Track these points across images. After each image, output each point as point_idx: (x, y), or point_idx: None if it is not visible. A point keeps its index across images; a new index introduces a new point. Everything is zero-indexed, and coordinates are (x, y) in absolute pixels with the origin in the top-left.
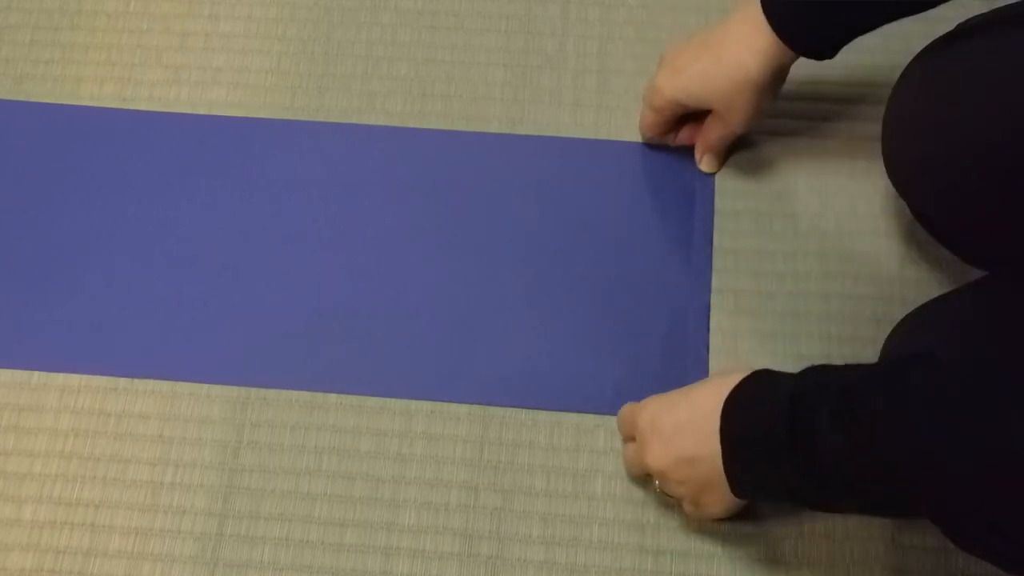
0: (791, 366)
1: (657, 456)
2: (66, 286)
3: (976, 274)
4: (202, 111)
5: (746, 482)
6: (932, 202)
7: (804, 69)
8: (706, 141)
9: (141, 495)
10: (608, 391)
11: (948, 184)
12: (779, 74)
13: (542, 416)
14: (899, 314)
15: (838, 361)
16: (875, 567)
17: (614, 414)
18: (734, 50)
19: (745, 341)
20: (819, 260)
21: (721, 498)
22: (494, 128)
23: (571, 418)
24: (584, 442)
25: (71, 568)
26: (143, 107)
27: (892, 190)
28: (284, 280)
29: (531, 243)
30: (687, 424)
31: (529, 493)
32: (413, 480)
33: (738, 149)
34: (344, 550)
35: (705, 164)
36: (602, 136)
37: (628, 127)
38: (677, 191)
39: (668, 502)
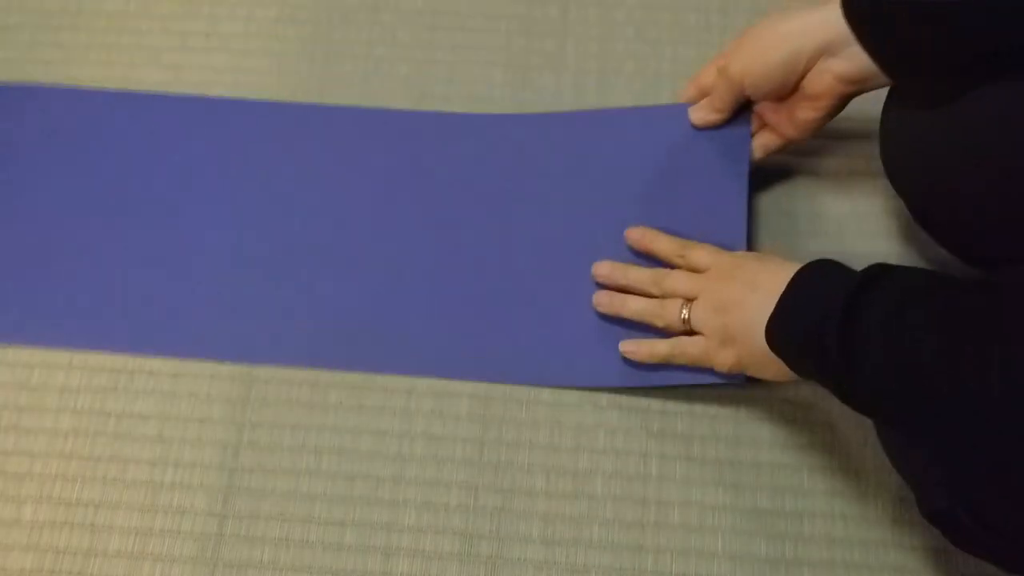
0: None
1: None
2: (67, 266)
3: (976, 274)
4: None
5: (785, 349)
6: (932, 202)
7: None
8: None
9: (141, 495)
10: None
11: (947, 185)
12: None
13: (542, 415)
14: None
15: None
16: (875, 567)
17: (619, 385)
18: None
19: None
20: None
21: (750, 348)
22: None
23: (571, 418)
24: (584, 442)
25: (71, 568)
26: None
27: (892, 190)
28: (285, 264)
29: (539, 222)
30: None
31: (529, 493)
32: (413, 480)
33: None
34: (344, 550)
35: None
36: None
37: None
38: (708, 162)
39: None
